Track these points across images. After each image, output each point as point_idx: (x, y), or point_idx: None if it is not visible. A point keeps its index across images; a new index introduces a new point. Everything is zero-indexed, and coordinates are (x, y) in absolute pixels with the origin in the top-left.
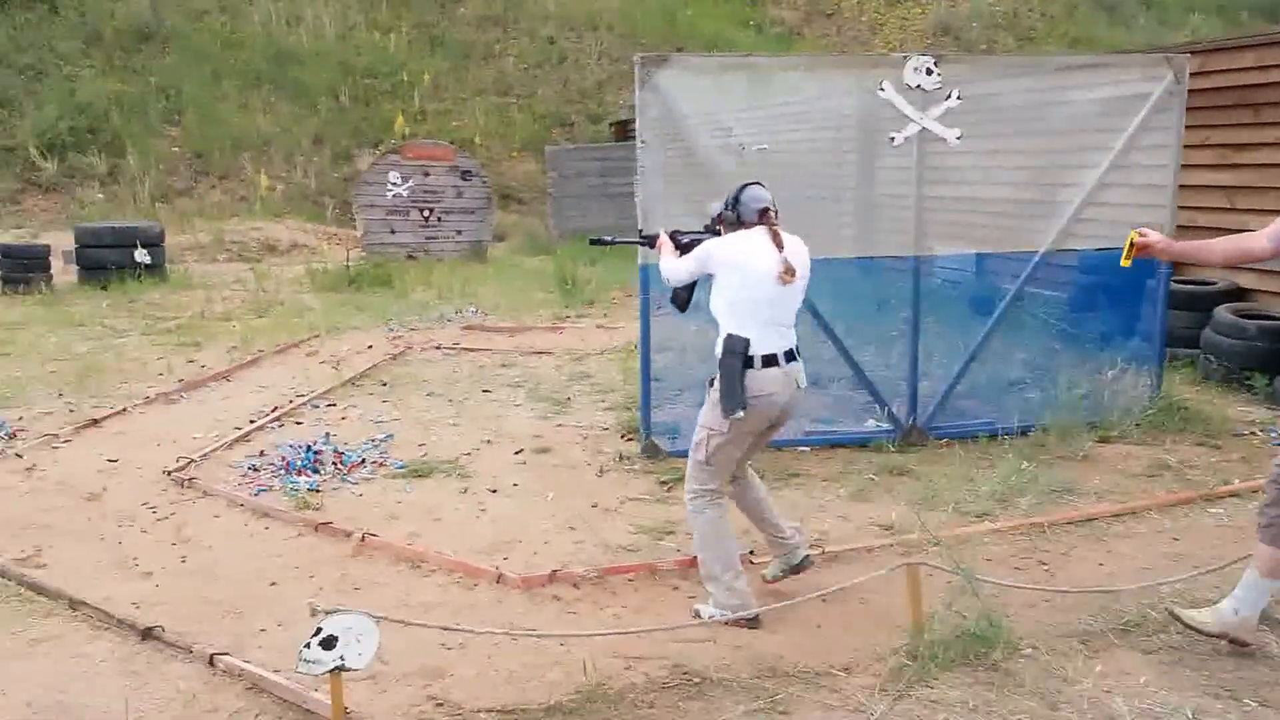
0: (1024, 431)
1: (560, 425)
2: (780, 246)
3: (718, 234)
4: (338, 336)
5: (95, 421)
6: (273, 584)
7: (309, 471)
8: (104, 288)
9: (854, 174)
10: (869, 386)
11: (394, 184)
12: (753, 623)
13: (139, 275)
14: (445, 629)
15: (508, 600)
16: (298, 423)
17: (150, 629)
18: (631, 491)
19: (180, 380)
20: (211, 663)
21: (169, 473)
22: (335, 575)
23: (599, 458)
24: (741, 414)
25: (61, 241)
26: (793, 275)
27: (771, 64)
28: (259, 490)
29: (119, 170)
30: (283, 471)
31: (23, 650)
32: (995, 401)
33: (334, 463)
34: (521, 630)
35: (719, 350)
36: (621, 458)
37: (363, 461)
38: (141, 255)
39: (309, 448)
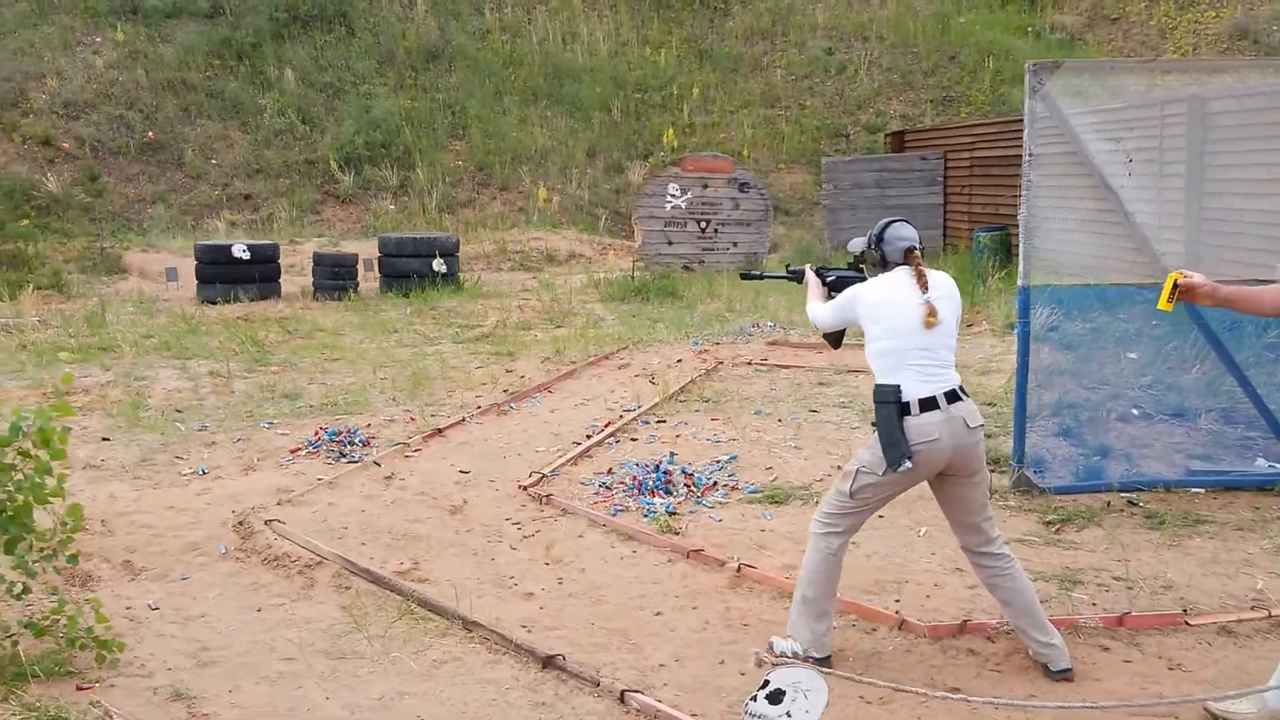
0: None
1: None
2: (925, 287)
3: (860, 272)
4: (644, 349)
5: (439, 431)
6: (658, 613)
7: (661, 492)
8: (406, 295)
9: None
10: (1274, 424)
11: (673, 196)
12: (823, 662)
13: (436, 283)
14: (897, 689)
15: (916, 650)
16: (633, 439)
17: (552, 657)
18: (1014, 531)
19: (505, 391)
20: (622, 699)
21: (524, 488)
22: (718, 608)
23: None
24: (909, 464)
25: (360, 250)
26: (935, 318)
27: (1178, 67)
28: (616, 510)
29: (409, 183)
30: (635, 491)
31: (427, 671)
32: None
33: (685, 484)
34: (983, 697)
35: (875, 401)
36: (990, 493)
37: (714, 484)
38: (439, 264)
39: (657, 467)
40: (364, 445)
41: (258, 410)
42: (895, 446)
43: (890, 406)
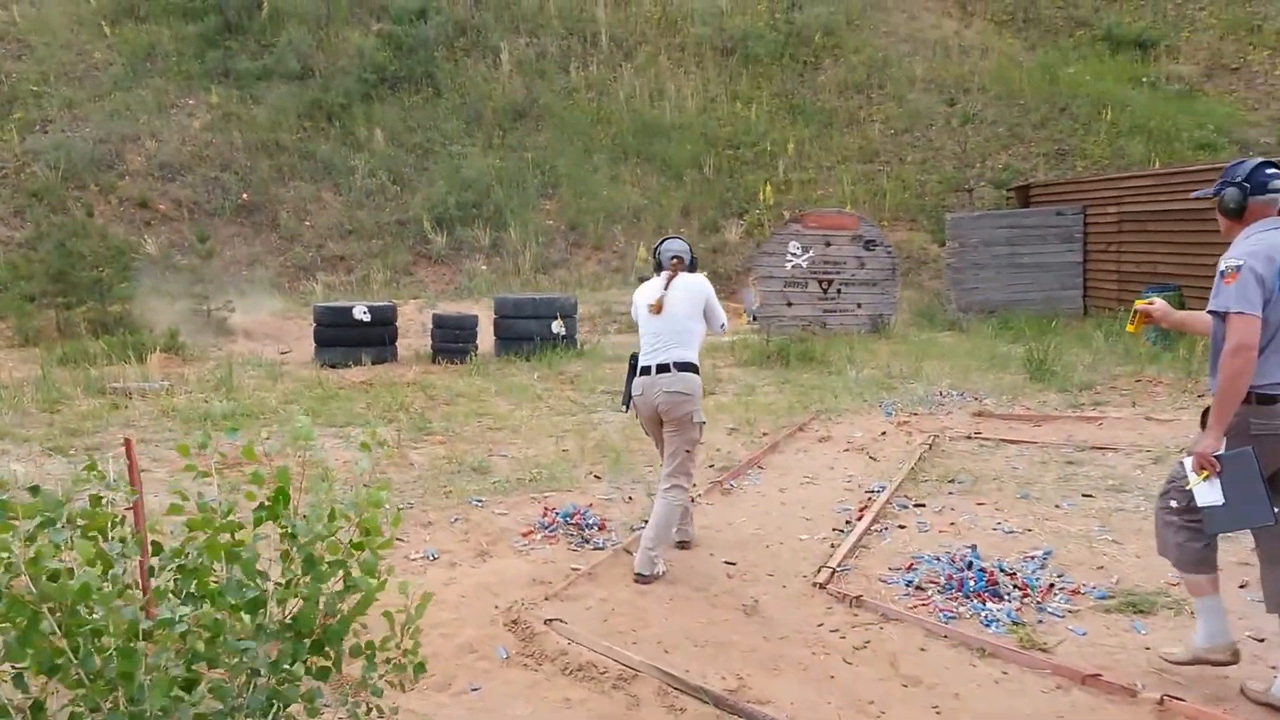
0: None
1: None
2: (667, 286)
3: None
4: (835, 420)
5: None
6: None
7: (989, 596)
8: (526, 359)
9: None
10: None
11: (794, 254)
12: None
13: (555, 346)
14: None
15: None
16: (901, 526)
17: None
18: None
19: (711, 466)
20: None
21: (820, 585)
22: None
23: None
24: (626, 409)
25: (471, 311)
26: (658, 309)
27: None
28: (946, 617)
29: (501, 242)
30: (954, 592)
31: None
32: None
33: (1015, 586)
34: None
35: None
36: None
37: (1051, 587)
38: (558, 326)
39: (969, 564)
40: (599, 529)
41: (452, 485)
42: (625, 394)
43: (631, 368)
